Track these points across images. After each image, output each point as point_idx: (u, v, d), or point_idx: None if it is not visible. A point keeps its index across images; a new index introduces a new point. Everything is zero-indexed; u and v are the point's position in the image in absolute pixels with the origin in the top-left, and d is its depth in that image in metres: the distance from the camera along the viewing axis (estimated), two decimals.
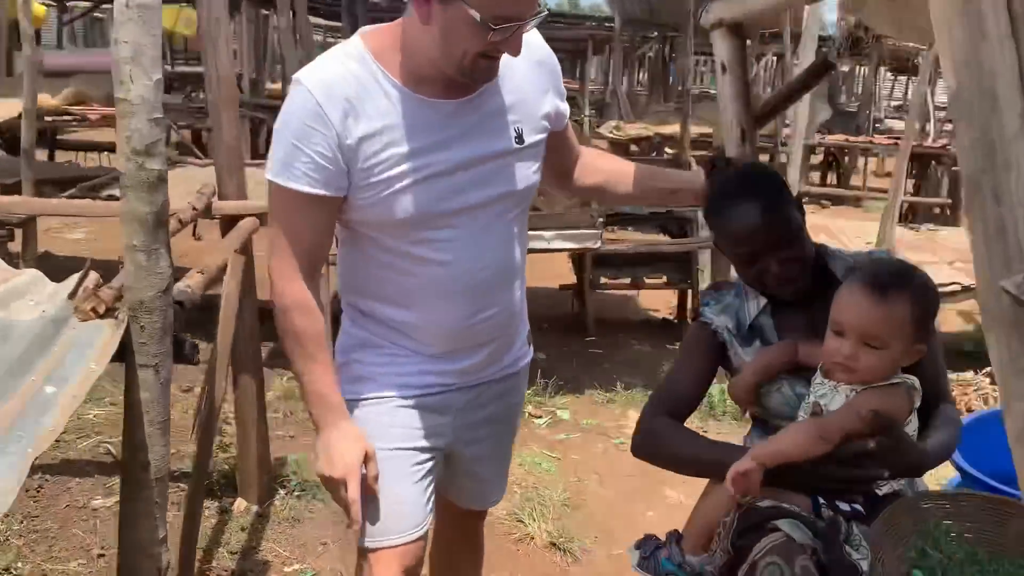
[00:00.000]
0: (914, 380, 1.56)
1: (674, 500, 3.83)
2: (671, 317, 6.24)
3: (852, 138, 11.89)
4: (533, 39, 1.71)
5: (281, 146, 1.62)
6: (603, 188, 2.08)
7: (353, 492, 1.70)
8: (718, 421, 4.66)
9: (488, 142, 1.71)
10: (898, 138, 11.71)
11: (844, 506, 1.56)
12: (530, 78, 1.77)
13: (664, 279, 5.57)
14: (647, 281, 5.54)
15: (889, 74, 18.97)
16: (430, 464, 1.86)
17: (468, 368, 1.86)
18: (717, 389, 4.82)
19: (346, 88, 1.61)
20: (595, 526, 3.54)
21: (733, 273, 1.89)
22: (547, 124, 1.82)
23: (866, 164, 13.31)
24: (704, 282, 5.69)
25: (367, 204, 1.66)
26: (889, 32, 3.30)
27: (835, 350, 1.54)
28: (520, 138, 1.74)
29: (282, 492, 3.49)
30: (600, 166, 2.08)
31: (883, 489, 1.59)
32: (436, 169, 1.65)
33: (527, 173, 1.79)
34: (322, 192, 1.63)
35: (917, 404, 1.56)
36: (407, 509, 1.82)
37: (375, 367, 1.82)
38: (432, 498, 1.88)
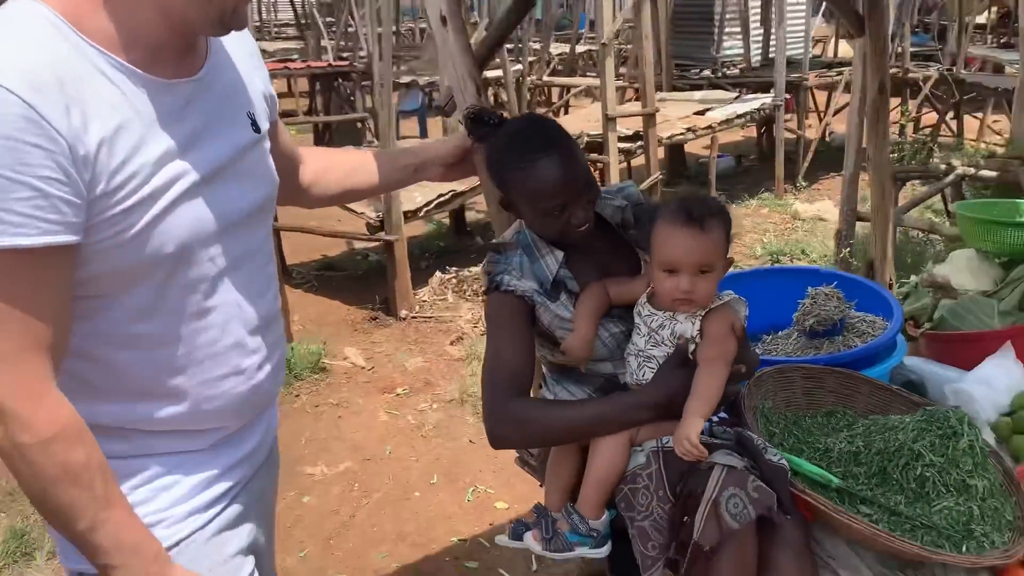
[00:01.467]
0: (731, 292, 1.74)
1: (320, 476, 3.67)
2: None
3: None
4: None
5: None
6: (346, 187, 1.79)
7: None
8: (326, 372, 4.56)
9: (231, 133, 1.32)
10: (288, 60, 12.15)
11: (714, 418, 1.70)
12: (236, 52, 1.41)
13: None
14: None
15: None
16: None
17: (256, 447, 1.49)
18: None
19: (56, 72, 1.08)
20: None
21: (508, 234, 1.82)
22: (267, 108, 1.49)
23: None
24: None
25: (112, 246, 1.15)
26: None
27: (674, 287, 1.62)
28: (255, 125, 1.39)
29: None
30: (334, 163, 1.78)
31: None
32: (193, 178, 1.22)
33: (273, 169, 1.46)
34: (65, 239, 1.08)
35: (745, 313, 1.74)
36: None
37: (142, 507, 1.28)
38: None
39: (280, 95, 14.98)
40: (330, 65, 10.39)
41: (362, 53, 10.40)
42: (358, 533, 3.23)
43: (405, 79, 10.21)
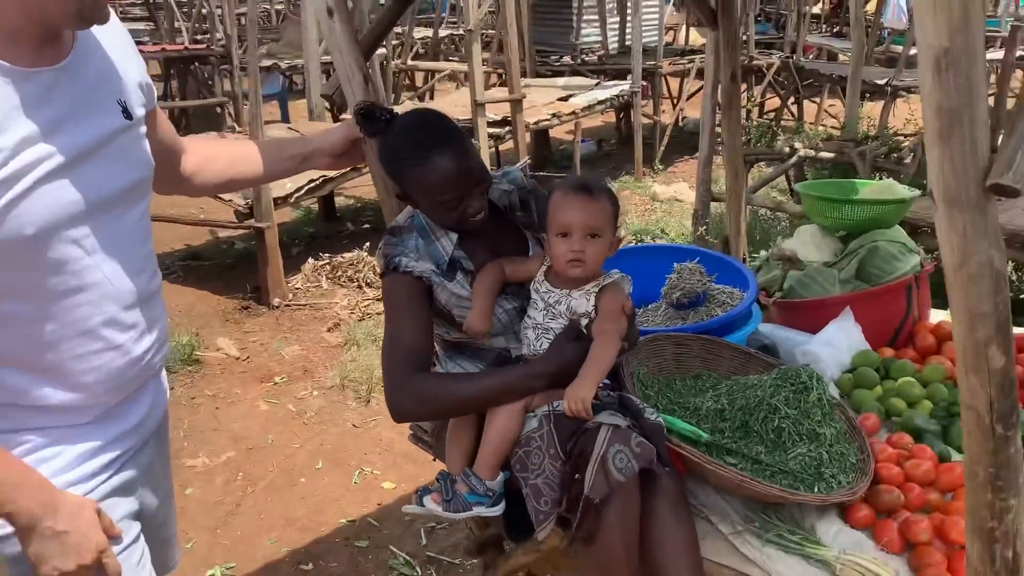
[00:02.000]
0: (619, 272, 1.89)
1: (201, 467, 3.64)
2: None
3: None
4: None
5: None
6: (230, 177, 1.81)
7: (114, 565, 1.35)
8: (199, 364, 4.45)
9: (98, 119, 1.36)
10: (139, 43, 11.47)
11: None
12: (109, 42, 1.44)
13: None
14: None
15: None
16: (145, 555, 1.52)
17: (143, 419, 1.53)
18: None
19: None
20: None
21: (402, 217, 1.89)
22: (143, 96, 1.52)
23: None
24: None
25: None
26: None
27: (566, 250, 1.76)
28: (127, 112, 1.43)
29: None
30: (218, 152, 1.80)
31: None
32: (57, 161, 1.26)
33: (147, 153, 1.50)
34: None
35: (630, 290, 1.89)
36: None
37: None
38: None
39: None
40: (187, 48, 9.99)
41: (219, 35, 10.06)
42: (245, 521, 3.22)
43: (265, 63, 9.95)
